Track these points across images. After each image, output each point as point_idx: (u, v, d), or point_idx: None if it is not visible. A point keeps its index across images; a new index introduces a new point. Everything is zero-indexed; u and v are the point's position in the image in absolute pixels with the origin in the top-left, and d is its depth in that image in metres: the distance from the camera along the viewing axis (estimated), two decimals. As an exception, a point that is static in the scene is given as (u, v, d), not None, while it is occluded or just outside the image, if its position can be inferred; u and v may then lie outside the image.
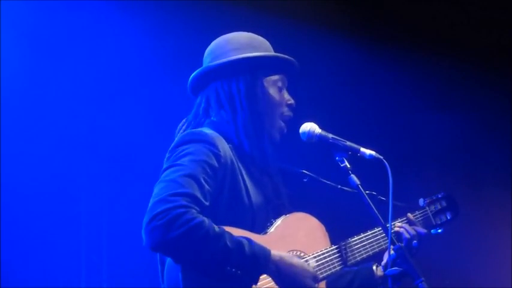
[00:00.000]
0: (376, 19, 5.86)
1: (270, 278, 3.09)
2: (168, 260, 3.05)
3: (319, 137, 3.30)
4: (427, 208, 3.83)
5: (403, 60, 5.74)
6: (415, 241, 3.56)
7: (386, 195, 3.19)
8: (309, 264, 3.26)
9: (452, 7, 5.91)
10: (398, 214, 3.62)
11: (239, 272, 2.95)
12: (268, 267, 3.03)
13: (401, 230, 3.57)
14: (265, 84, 3.37)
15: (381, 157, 3.23)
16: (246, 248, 2.97)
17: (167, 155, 3.18)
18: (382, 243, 3.56)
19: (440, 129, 6.02)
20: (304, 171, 3.56)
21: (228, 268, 2.93)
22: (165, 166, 3.10)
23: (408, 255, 3.10)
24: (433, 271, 3.28)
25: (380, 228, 3.55)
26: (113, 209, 5.78)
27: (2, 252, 5.44)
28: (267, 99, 3.36)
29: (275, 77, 3.41)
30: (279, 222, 3.31)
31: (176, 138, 3.26)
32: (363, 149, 3.27)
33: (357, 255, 3.47)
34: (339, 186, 3.59)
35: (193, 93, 3.47)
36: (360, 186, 3.21)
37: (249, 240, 3.00)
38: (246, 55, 3.34)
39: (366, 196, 3.21)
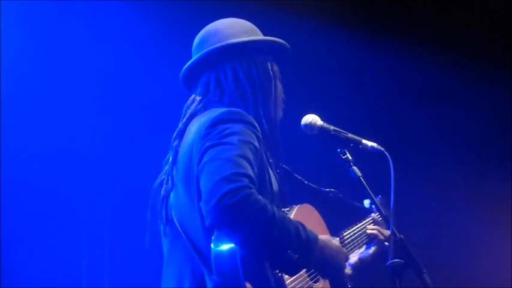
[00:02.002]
0: (375, 11, 5.87)
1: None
2: (216, 245, 2.91)
3: (321, 129, 3.29)
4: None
5: (403, 53, 5.74)
6: (386, 243, 3.57)
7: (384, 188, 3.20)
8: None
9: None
10: (361, 215, 3.62)
11: (296, 256, 2.90)
12: (315, 253, 2.99)
13: (375, 231, 3.58)
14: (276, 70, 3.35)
15: (383, 149, 3.24)
16: (302, 233, 2.93)
17: (203, 131, 3.02)
18: (364, 239, 3.60)
19: (440, 122, 6.03)
20: (281, 164, 3.53)
21: (289, 252, 2.89)
22: (209, 143, 2.95)
23: (410, 247, 3.10)
24: (433, 265, 3.28)
25: (364, 222, 3.60)
26: (114, 209, 5.78)
27: (2, 252, 5.44)
28: (277, 84, 3.33)
29: (276, 66, 3.36)
30: (294, 211, 3.30)
31: (209, 116, 3.08)
32: (364, 141, 3.27)
33: (352, 246, 3.50)
34: (306, 182, 3.58)
35: (191, 79, 3.33)
36: (361, 178, 3.20)
37: (302, 224, 2.96)
38: (267, 38, 3.30)
39: (368, 188, 3.21)
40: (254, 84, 3.24)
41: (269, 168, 3.15)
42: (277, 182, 3.22)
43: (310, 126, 3.30)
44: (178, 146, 3.15)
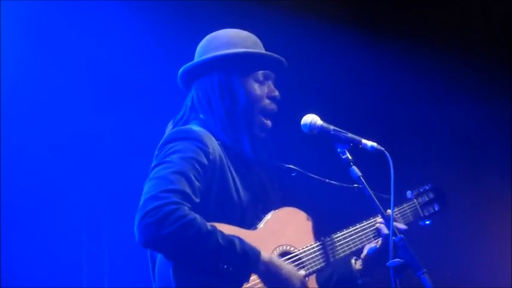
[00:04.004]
0: (376, 11, 5.87)
1: (259, 279, 3.12)
2: (159, 257, 3.07)
3: (321, 128, 3.31)
4: (415, 200, 3.85)
5: (404, 52, 5.74)
6: (394, 237, 3.58)
7: (385, 187, 3.20)
8: (301, 262, 3.30)
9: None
10: (385, 207, 3.63)
11: (231, 268, 2.99)
12: (258, 267, 3.08)
13: (381, 225, 3.57)
14: (243, 80, 3.37)
15: (382, 148, 3.26)
16: (237, 246, 3.01)
17: (156, 152, 3.21)
18: (371, 235, 3.59)
19: (440, 121, 6.03)
20: (291, 166, 3.55)
21: (220, 264, 2.98)
22: (154, 164, 3.13)
23: (410, 247, 3.11)
24: (432, 262, 3.28)
25: (369, 221, 3.60)
26: (113, 209, 5.78)
27: (2, 252, 5.44)
28: (244, 95, 3.35)
29: (257, 74, 3.40)
30: (268, 217, 3.34)
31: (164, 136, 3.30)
32: (364, 141, 3.29)
33: (344, 249, 3.49)
34: (327, 180, 3.60)
35: (186, 89, 3.51)
36: (361, 177, 3.22)
37: (239, 239, 3.04)
38: (214, 54, 3.35)
39: (368, 188, 3.22)
40: (210, 103, 3.34)
41: (236, 178, 3.24)
42: (255, 191, 3.31)
43: (310, 126, 3.32)
44: None
